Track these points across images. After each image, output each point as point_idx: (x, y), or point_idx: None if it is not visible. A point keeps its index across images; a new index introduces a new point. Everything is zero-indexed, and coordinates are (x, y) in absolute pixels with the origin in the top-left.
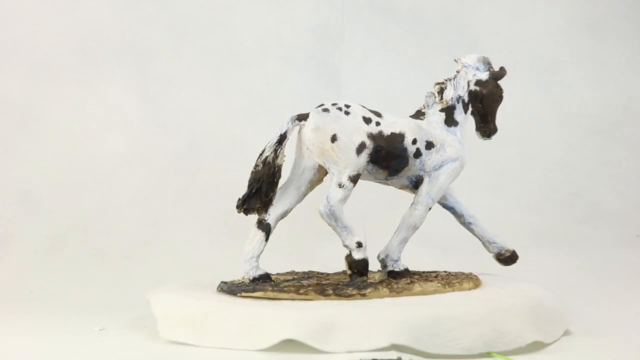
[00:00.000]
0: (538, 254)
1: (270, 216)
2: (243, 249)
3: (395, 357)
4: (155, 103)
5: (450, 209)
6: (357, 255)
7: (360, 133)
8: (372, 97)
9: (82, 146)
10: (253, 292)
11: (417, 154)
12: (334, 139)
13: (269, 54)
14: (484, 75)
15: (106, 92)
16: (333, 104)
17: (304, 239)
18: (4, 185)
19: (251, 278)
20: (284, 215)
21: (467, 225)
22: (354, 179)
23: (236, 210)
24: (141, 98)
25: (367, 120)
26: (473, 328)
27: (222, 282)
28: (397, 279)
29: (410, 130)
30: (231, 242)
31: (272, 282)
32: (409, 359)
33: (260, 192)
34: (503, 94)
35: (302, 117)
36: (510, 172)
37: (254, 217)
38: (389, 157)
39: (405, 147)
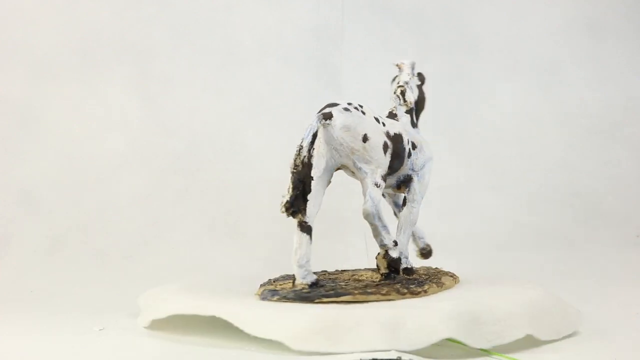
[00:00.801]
0: (538, 254)
1: (309, 218)
2: (294, 254)
3: (395, 357)
4: (155, 103)
5: (394, 204)
6: (394, 253)
7: (381, 133)
8: (372, 97)
9: (82, 146)
10: (337, 296)
11: (409, 154)
12: (365, 138)
13: (269, 54)
14: (417, 80)
15: (106, 92)
16: (349, 103)
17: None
18: (4, 185)
19: (309, 283)
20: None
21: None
22: (385, 179)
23: (284, 214)
24: (141, 98)
25: (377, 121)
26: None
27: (268, 290)
28: (411, 275)
29: (403, 131)
30: (231, 242)
31: (331, 285)
32: (409, 359)
33: (304, 193)
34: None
35: (327, 116)
36: (510, 172)
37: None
38: (393, 157)
39: (404, 147)
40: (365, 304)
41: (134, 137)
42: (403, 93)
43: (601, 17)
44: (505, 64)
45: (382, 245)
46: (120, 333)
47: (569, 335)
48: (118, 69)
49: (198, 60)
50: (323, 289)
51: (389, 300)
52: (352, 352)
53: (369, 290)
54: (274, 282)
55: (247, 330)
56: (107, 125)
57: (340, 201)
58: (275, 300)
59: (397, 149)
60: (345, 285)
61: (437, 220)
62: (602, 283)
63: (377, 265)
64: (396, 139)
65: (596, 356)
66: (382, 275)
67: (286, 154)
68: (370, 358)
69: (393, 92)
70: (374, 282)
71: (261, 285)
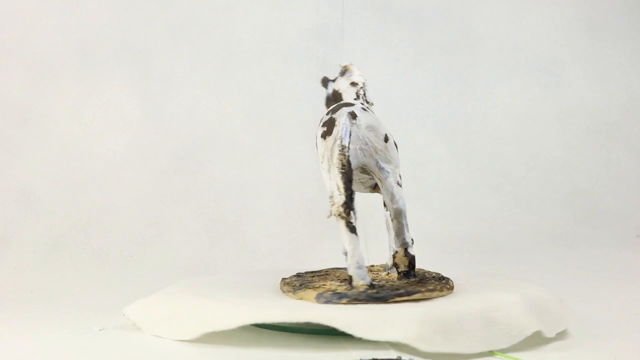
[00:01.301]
0: (538, 254)
1: (353, 218)
2: (350, 256)
3: (395, 357)
4: (155, 103)
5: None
6: (412, 251)
7: (391, 134)
8: (372, 97)
9: (82, 146)
10: (408, 295)
11: None
12: (386, 138)
13: (269, 54)
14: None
15: (106, 92)
16: (361, 104)
17: (303, 239)
18: (4, 185)
19: (369, 283)
20: None
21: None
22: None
23: (339, 216)
24: (141, 98)
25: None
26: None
27: (328, 294)
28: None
29: None
30: (231, 242)
31: (379, 284)
32: (408, 359)
33: (352, 194)
34: None
35: (353, 116)
36: (510, 172)
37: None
38: None
39: None
40: (431, 301)
41: (134, 137)
42: (364, 93)
43: (601, 17)
44: (505, 64)
45: (404, 244)
46: (120, 333)
47: (569, 335)
48: (118, 69)
49: (198, 60)
50: (383, 289)
51: (441, 296)
52: (352, 352)
53: (430, 288)
54: (292, 280)
55: (359, 334)
56: (107, 125)
57: None
58: (345, 303)
59: None
60: (391, 283)
61: (437, 220)
62: (602, 283)
63: (396, 264)
64: None
65: (596, 356)
66: (400, 273)
67: (286, 154)
68: (370, 358)
69: (355, 93)
70: (401, 280)
71: (289, 284)
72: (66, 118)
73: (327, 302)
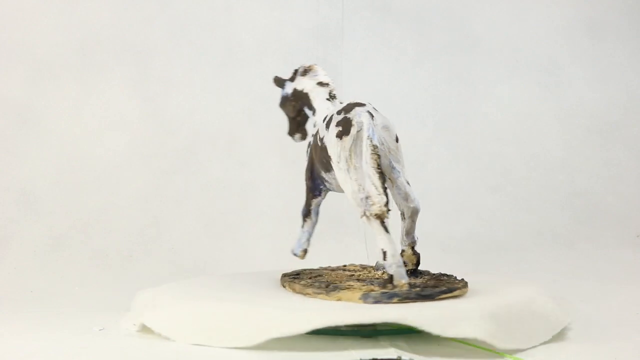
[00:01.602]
0: (538, 254)
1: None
2: (394, 256)
3: (395, 357)
4: (155, 103)
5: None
6: (417, 250)
7: None
8: (372, 97)
9: (82, 146)
10: (450, 292)
11: None
12: (397, 139)
13: (269, 54)
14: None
15: (106, 92)
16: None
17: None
18: (4, 185)
19: (408, 282)
20: None
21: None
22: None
23: (383, 215)
24: (141, 98)
25: None
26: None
27: (376, 294)
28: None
29: None
30: (231, 242)
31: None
32: (409, 359)
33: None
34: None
35: (372, 116)
36: (510, 172)
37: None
38: None
39: None
40: (477, 297)
41: (134, 137)
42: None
43: (601, 17)
44: (505, 64)
45: (412, 242)
46: (120, 333)
47: (570, 335)
48: (118, 69)
49: (198, 60)
50: (426, 287)
51: (464, 293)
52: (352, 352)
53: (459, 285)
54: (292, 278)
55: (436, 331)
56: (107, 125)
57: (340, 201)
58: (396, 302)
59: None
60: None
61: (437, 220)
62: (602, 283)
63: (404, 262)
64: None
65: (596, 356)
66: (408, 271)
67: (286, 154)
68: (370, 358)
69: (329, 93)
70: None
71: (312, 286)
72: (66, 118)
73: (377, 302)
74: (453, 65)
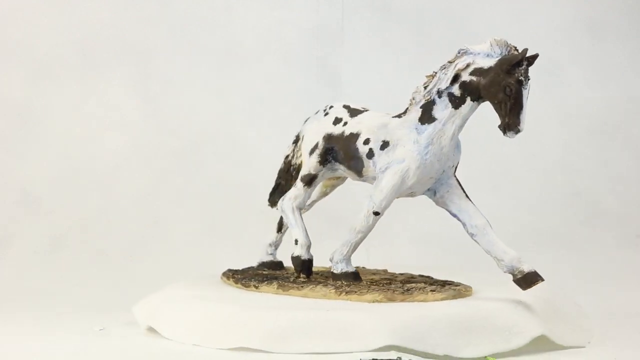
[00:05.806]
0: (538, 254)
1: None
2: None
3: (395, 357)
4: (155, 103)
5: (455, 217)
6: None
7: (319, 134)
8: (372, 97)
9: (82, 146)
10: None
11: (370, 154)
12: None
13: (269, 54)
14: (489, 62)
15: (106, 92)
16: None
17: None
18: (4, 185)
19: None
20: None
21: (470, 236)
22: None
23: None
24: (141, 98)
25: (337, 121)
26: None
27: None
28: (337, 280)
29: (368, 129)
30: (231, 242)
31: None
32: (408, 359)
33: None
34: (512, 82)
35: None
36: (510, 172)
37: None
38: (346, 158)
39: (357, 148)
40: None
41: (134, 137)
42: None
43: (601, 17)
44: None
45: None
46: (120, 333)
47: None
48: (118, 69)
49: (198, 60)
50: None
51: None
52: (352, 352)
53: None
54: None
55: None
56: (107, 125)
57: (340, 201)
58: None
59: (347, 149)
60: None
61: (437, 220)
62: (602, 283)
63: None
64: (347, 140)
65: (596, 356)
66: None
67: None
68: (370, 358)
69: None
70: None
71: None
72: (66, 118)
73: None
74: None
